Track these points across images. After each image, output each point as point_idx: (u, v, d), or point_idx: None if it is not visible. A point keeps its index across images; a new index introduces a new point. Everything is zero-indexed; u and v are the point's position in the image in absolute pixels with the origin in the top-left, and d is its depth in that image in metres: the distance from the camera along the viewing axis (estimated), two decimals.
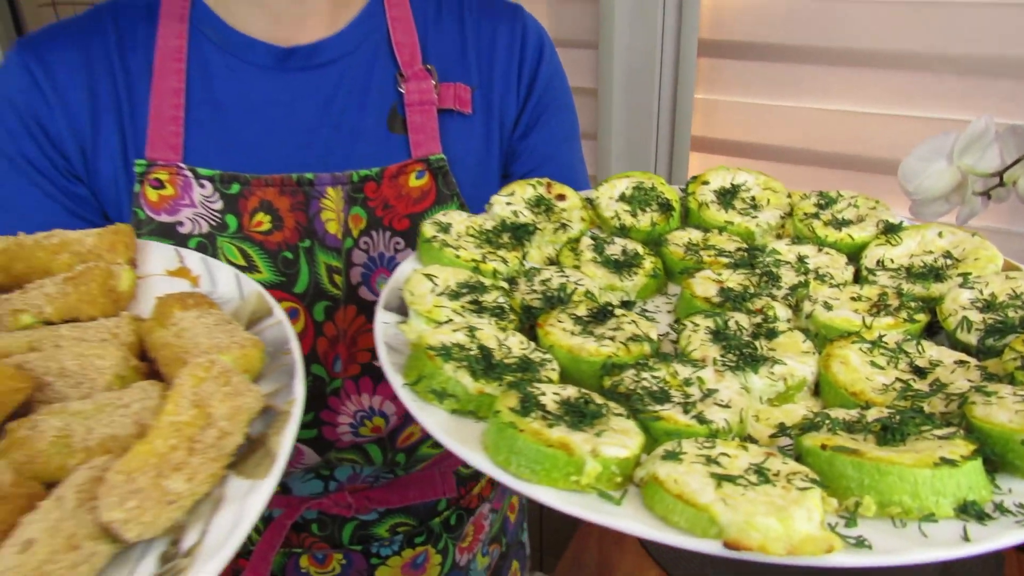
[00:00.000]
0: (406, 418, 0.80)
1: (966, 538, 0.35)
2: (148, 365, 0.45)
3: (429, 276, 0.54)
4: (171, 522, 0.35)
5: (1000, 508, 0.37)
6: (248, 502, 0.35)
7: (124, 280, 0.48)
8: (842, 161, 1.38)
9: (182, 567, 0.34)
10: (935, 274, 0.55)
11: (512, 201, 0.67)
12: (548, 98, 0.87)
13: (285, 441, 0.37)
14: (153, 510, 0.34)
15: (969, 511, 0.36)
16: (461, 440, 0.42)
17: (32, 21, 2.04)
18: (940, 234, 0.59)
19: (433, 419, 0.44)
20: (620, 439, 0.40)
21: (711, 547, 0.35)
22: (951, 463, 0.36)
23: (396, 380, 0.47)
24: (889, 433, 0.39)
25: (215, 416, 0.37)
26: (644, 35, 1.46)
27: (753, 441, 0.44)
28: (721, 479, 0.37)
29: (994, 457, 0.39)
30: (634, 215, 0.65)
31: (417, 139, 0.79)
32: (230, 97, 0.77)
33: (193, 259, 0.54)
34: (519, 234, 0.63)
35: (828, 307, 0.52)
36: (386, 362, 0.48)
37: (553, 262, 0.64)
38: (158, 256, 0.54)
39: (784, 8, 1.33)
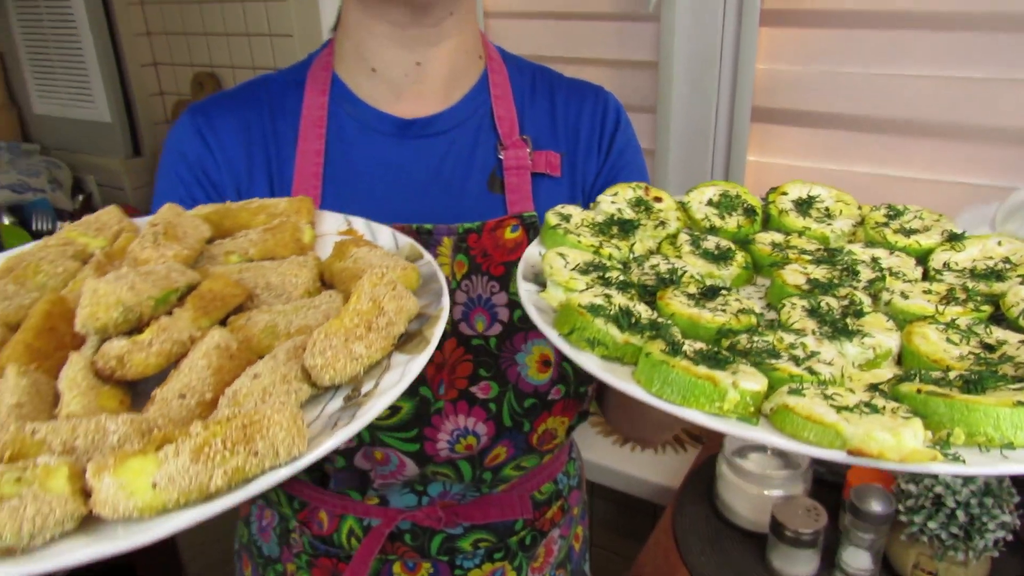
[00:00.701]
0: (493, 439, 0.90)
1: None
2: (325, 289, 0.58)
3: (562, 255, 0.65)
4: (354, 373, 0.47)
5: None
6: (409, 367, 0.47)
7: (307, 234, 0.61)
8: None
9: (360, 403, 0.45)
10: (996, 275, 0.62)
11: (616, 200, 0.77)
12: (622, 161, 0.99)
13: (436, 331, 0.49)
14: (342, 361, 0.46)
15: None
16: (616, 375, 0.51)
17: (123, 19, 2.25)
18: (1000, 243, 0.67)
19: (589, 361, 0.53)
20: (752, 377, 0.49)
21: (837, 456, 0.44)
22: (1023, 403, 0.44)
23: (552, 332, 0.56)
24: (971, 386, 0.47)
25: (385, 309, 0.49)
26: (700, 101, 1.61)
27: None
28: (840, 408, 0.46)
29: None
30: (722, 217, 0.74)
31: (513, 198, 0.92)
32: (361, 159, 0.91)
33: (358, 223, 0.67)
34: (625, 227, 0.73)
35: (905, 296, 0.60)
36: (538, 319, 0.57)
37: (654, 254, 0.72)
38: (331, 220, 0.67)
39: (832, 80, 1.47)
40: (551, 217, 0.70)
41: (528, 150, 0.93)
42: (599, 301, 0.55)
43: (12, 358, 0.45)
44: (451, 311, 0.84)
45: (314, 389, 0.47)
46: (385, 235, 0.64)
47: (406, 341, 0.50)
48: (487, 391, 0.88)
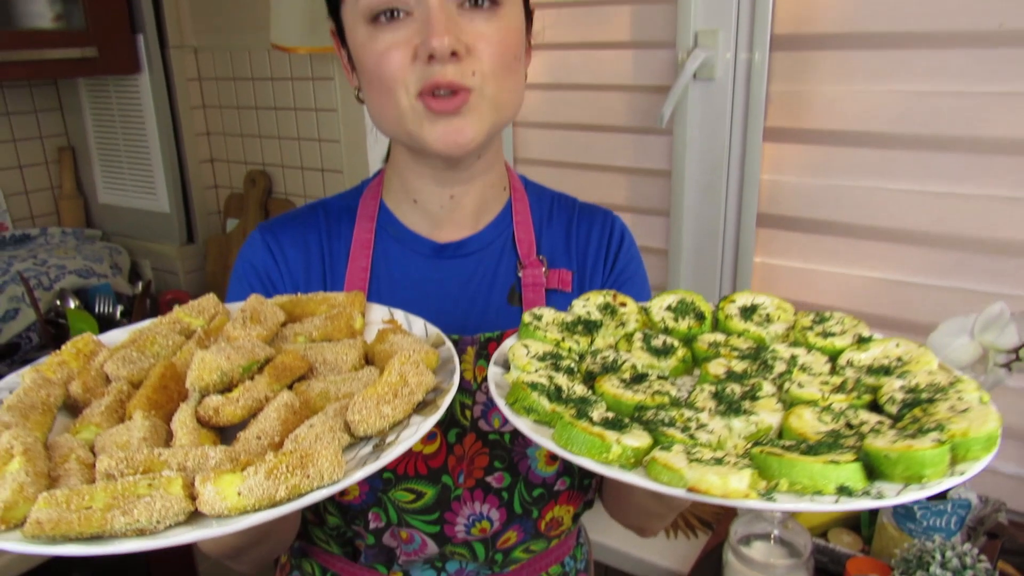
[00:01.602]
0: (505, 524, 1.01)
1: (835, 502, 0.57)
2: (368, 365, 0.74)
3: (525, 345, 0.80)
4: (381, 428, 0.64)
5: (866, 492, 0.58)
6: (421, 425, 0.64)
7: (358, 322, 0.79)
8: (882, 322, 1.60)
9: (384, 449, 0.61)
10: (886, 370, 0.75)
11: (587, 304, 0.91)
12: (624, 277, 1.13)
13: (446, 400, 0.66)
14: (373, 419, 0.63)
15: (843, 491, 0.58)
16: (539, 434, 0.66)
17: (186, 120, 2.47)
18: (897, 345, 0.79)
19: (523, 424, 0.68)
20: (637, 437, 0.64)
21: (680, 492, 0.58)
22: (835, 462, 0.59)
23: (500, 401, 0.71)
24: (809, 450, 0.61)
25: (409, 382, 0.66)
26: (710, 207, 1.76)
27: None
28: (691, 460, 0.61)
29: (874, 466, 0.60)
30: (676, 320, 0.87)
31: None
32: (401, 276, 1.06)
33: (399, 314, 0.84)
34: (589, 327, 0.87)
35: (801, 386, 0.73)
36: (495, 392, 0.73)
37: (609, 348, 0.85)
38: (378, 311, 0.85)
39: (830, 191, 1.61)
40: (526, 316, 0.85)
41: (543, 269, 1.08)
42: (540, 380, 0.71)
43: (137, 406, 0.63)
44: (472, 409, 0.99)
45: (352, 438, 0.65)
46: (419, 325, 0.83)
47: (423, 407, 0.67)
48: (501, 481, 0.99)
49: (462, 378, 0.99)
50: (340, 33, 1.00)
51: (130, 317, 2.18)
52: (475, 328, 1.04)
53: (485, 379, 0.99)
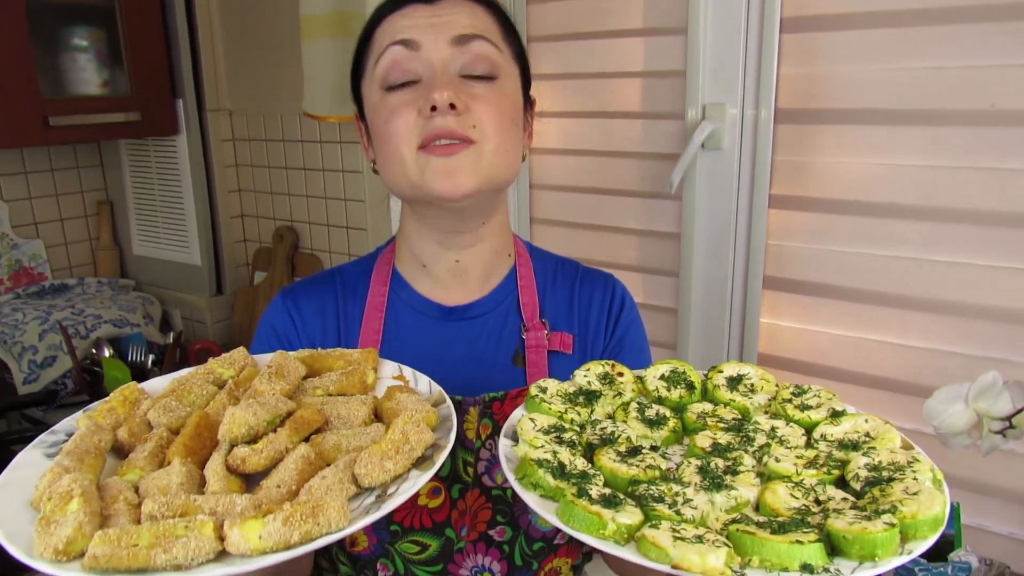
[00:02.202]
0: None
1: None
2: (377, 421, 0.82)
3: (532, 419, 0.86)
4: (384, 480, 0.71)
5: (826, 569, 0.64)
6: (418, 479, 0.71)
7: (371, 378, 0.87)
8: (882, 384, 1.65)
9: (385, 500, 0.68)
10: (854, 445, 0.81)
11: (587, 374, 0.97)
12: (625, 341, 1.19)
13: (442, 456, 0.73)
14: (377, 472, 0.70)
15: (806, 568, 0.64)
16: (545, 509, 0.73)
17: (220, 178, 2.60)
18: (866, 420, 0.85)
19: (531, 498, 0.74)
20: (630, 515, 0.70)
21: (666, 568, 0.64)
22: (800, 542, 0.65)
23: (511, 475, 0.78)
24: (780, 528, 0.68)
25: (410, 440, 0.73)
26: (718, 269, 1.83)
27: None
28: (676, 538, 0.67)
29: (834, 544, 0.67)
30: (669, 390, 0.94)
31: (532, 372, 1.13)
32: (411, 337, 1.13)
33: (407, 370, 0.92)
34: (589, 397, 0.93)
35: (778, 460, 0.79)
36: (506, 467, 0.79)
37: (611, 417, 0.92)
38: (388, 367, 0.92)
39: (835, 257, 1.67)
40: (532, 389, 0.92)
41: (546, 332, 1.14)
42: (546, 456, 0.78)
43: (176, 453, 0.72)
44: (475, 466, 1.06)
45: (358, 488, 0.72)
46: (424, 382, 0.90)
47: (421, 461, 0.75)
48: (502, 534, 1.04)
49: (465, 436, 1.05)
50: (361, 111, 1.10)
51: (161, 366, 2.27)
52: (480, 387, 1.10)
53: (488, 437, 1.06)
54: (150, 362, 2.32)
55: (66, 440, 0.77)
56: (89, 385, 2.18)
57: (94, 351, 2.30)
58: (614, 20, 1.88)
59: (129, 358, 2.32)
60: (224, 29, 2.54)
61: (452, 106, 0.96)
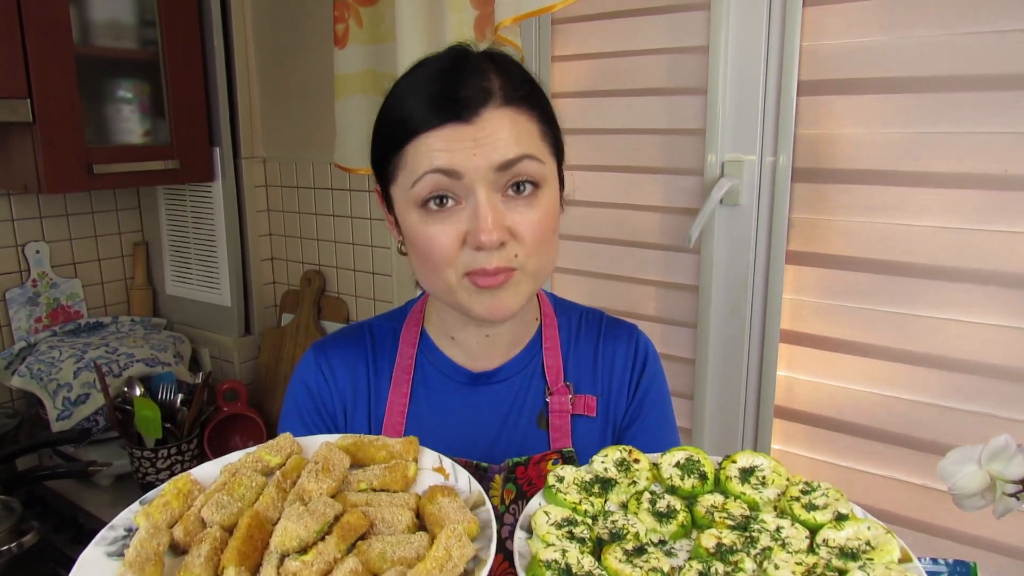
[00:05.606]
0: None
1: None
2: (419, 520, 0.84)
3: (547, 512, 0.87)
4: None
5: None
6: None
7: (412, 470, 0.88)
8: (897, 440, 1.65)
9: None
10: (853, 555, 0.81)
11: (604, 460, 0.97)
12: (649, 398, 1.20)
13: (481, 573, 0.73)
14: None
15: None
16: None
17: (252, 222, 2.65)
18: (868, 527, 0.84)
19: None
20: None
21: None
22: None
23: (522, 573, 0.79)
24: None
25: (452, 556, 0.73)
26: (734, 322, 1.84)
27: None
28: None
29: None
30: (682, 479, 0.94)
31: (555, 436, 1.14)
32: (439, 401, 1.15)
33: (447, 462, 0.92)
34: (605, 486, 0.94)
35: (777, 567, 0.79)
36: (518, 563, 0.80)
37: (624, 506, 0.93)
38: (429, 457, 0.93)
39: (852, 313, 1.68)
40: (550, 478, 0.93)
41: (570, 396, 1.16)
42: (555, 556, 0.79)
43: (230, 561, 0.73)
44: (499, 531, 1.06)
45: None
46: (463, 478, 0.90)
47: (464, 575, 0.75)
48: None
49: (492, 505, 1.06)
50: (387, 198, 1.08)
51: (190, 406, 2.30)
52: (505, 448, 1.12)
53: (512, 502, 1.08)
54: (179, 401, 2.35)
55: (125, 536, 0.79)
56: (120, 423, 2.21)
57: (126, 389, 2.33)
58: (638, 79, 1.93)
59: (159, 397, 2.35)
60: (261, 82, 2.58)
61: (500, 243, 0.96)
